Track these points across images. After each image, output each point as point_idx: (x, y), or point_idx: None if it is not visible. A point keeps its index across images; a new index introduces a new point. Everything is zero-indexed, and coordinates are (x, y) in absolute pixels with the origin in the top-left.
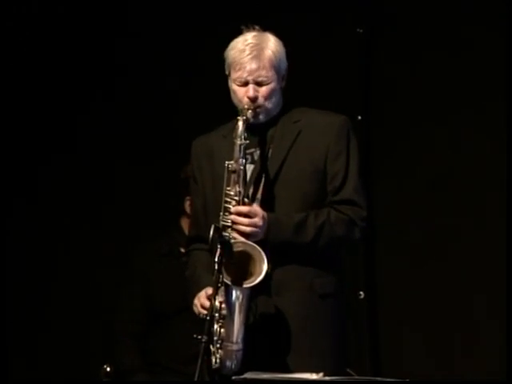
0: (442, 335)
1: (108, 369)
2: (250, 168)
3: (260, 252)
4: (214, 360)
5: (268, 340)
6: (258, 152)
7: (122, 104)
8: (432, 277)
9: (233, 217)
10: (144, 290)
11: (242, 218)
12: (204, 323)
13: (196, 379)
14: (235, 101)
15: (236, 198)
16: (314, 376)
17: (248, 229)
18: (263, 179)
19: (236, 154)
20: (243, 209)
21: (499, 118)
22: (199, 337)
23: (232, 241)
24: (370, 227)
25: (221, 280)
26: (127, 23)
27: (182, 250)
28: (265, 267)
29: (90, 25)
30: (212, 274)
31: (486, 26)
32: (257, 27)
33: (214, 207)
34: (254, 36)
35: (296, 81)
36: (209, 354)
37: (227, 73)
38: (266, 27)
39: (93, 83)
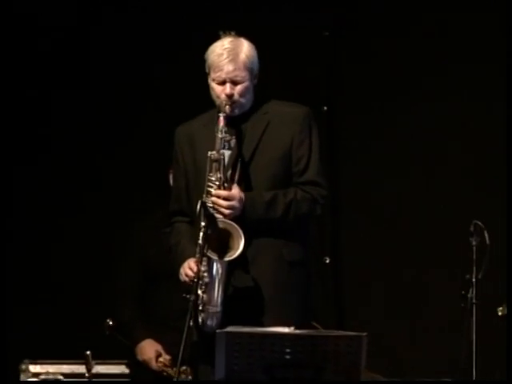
0: (405, 300)
1: (111, 322)
2: (227, 154)
3: (238, 230)
4: (200, 320)
5: (245, 303)
6: (234, 141)
7: (111, 88)
8: (396, 243)
9: (213, 199)
10: (141, 256)
11: (222, 200)
12: (192, 285)
13: (185, 333)
14: (214, 96)
15: (217, 182)
16: (286, 329)
17: (227, 211)
18: (239, 164)
19: (217, 145)
20: (223, 193)
21: (492, 109)
22: (188, 296)
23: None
24: (336, 199)
25: (205, 248)
26: (107, 12)
27: None
28: (242, 243)
29: (67, 13)
30: (195, 245)
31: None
32: (232, 33)
33: (195, 188)
34: (231, 41)
35: (270, 77)
36: (196, 311)
37: (207, 72)
38: (240, 28)
39: (79, 68)
